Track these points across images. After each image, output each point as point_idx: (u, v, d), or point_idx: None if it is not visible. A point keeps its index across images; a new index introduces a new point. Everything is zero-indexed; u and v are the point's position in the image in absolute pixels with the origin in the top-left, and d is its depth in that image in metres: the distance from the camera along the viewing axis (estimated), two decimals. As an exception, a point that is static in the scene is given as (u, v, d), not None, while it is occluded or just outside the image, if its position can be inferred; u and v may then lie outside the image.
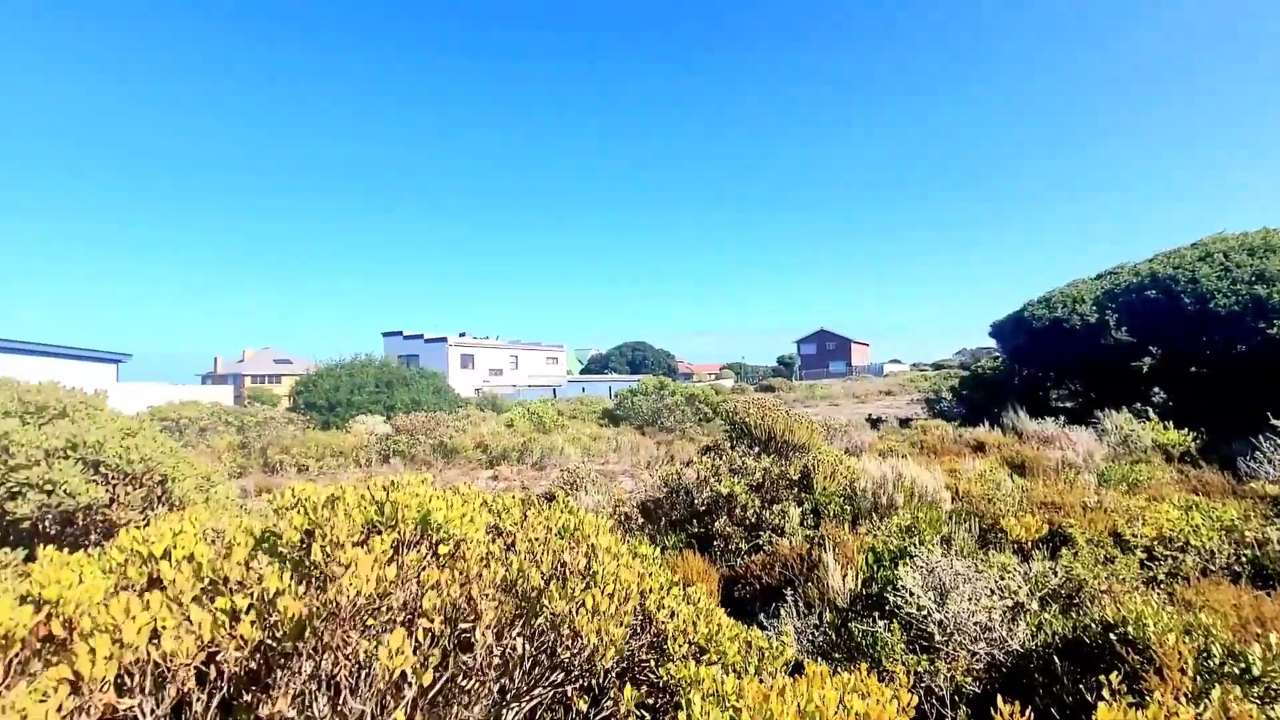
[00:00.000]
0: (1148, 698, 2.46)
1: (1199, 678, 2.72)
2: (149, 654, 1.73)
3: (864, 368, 73.54)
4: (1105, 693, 2.25)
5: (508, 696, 2.54)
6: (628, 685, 2.32)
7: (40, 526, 3.70)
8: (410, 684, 1.86)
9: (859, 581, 4.61)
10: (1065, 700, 2.96)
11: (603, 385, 48.05)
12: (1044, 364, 17.50)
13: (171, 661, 1.73)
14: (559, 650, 2.29)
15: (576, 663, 2.26)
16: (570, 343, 77.78)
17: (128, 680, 1.73)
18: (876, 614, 3.87)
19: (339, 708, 1.89)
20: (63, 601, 1.97)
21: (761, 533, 5.78)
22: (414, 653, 2.03)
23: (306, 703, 2.02)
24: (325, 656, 1.81)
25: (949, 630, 3.61)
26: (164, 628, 1.77)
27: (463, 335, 54.69)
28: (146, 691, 1.73)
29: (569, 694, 2.77)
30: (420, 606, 2.16)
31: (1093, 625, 3.23)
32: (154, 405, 15.80)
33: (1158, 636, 2.90)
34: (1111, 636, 3.07)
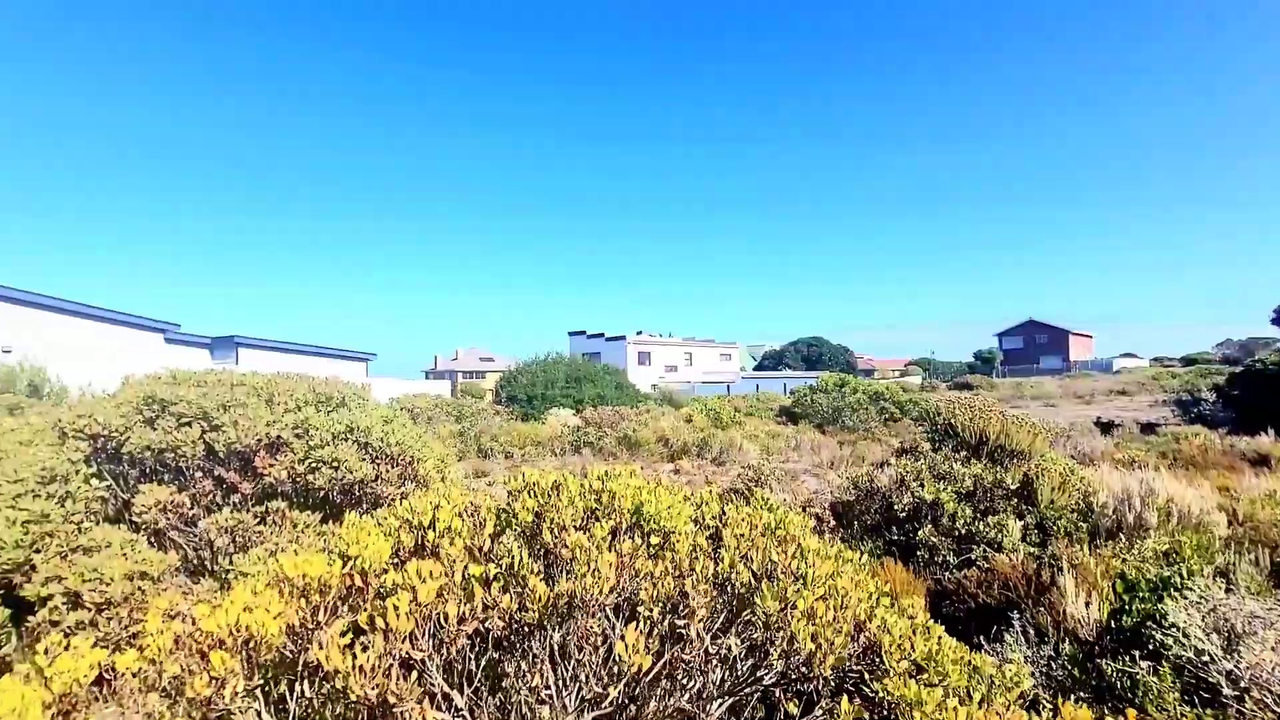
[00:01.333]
0: None
1: None
2: (434, 613, 2.04)
3: (1087, 363, 63.00)
4: None
5: (714, 690, 2.59)
6: (844, 698, 2.23)
7: (329, 496, 4.55)
8: (631, 668, 1.97)
9: (1104, 612, 3.96)
10: None
11: (777, 382, 47.00)
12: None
13: (447, 621, 2.01)
14: (771, 652, 2.27)
15: (790, 667, 2.22)
16: (743, 340, 77.16)
17: (417, 634, 2.04)
18: (1136, 653, 3.28)
19: (577, 686, 2.06)
20: (361, 559, 2.40)
21: (974, 546, 5.22)
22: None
23: (550, 677, 2.23)
24: (571, 638, 1.98)
25: (1242, 684, 2.94)
26: (444, 593, 2.06)
27: (640, 333, 56.99)
28: (429, 647, 2.03)
29: (777, 695, 2.74)
30: (638, 596, 2.28)
31: None
32: (394, 397, 18.76)
33: None
34: None
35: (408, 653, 1.82)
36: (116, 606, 3.41)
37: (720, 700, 2.57)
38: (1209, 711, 2.92)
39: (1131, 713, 2.23)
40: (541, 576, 2.13)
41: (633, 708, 2.54)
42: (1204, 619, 3.26)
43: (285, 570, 2.20)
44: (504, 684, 2.34)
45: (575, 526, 2.58)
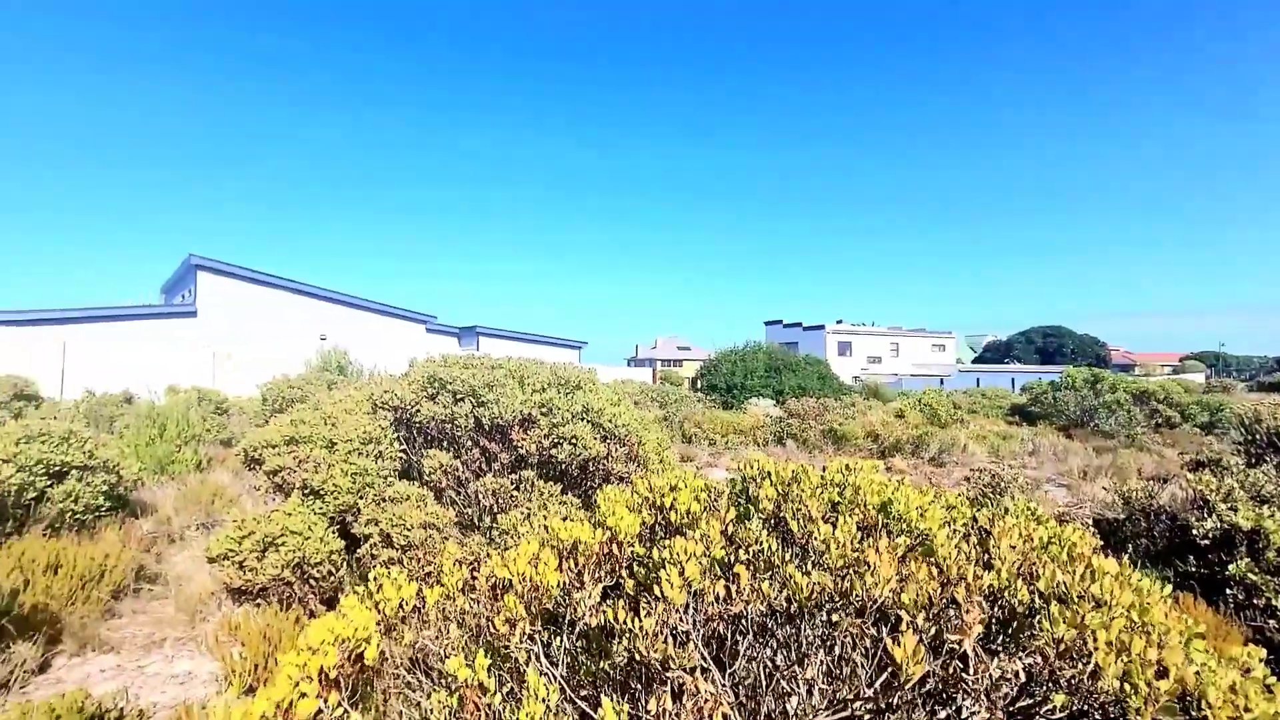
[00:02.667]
0: None
1: None
2: (696, 589, 2.14)
3: None
4: None
5: (981, 715, 2.34)
6: (1164, 751, 1.87)
7: (567, 469, 5.02)
8: (905, 678, 1.86)
9: None
10: None
11: (1003, 376, 41.40)
12: None
13: (707, 600, 2.09)
14: (1060, 682, 1.99)
15: (1088, 702, 1.92)
16: (960, 329, 69.06)
17: (685, 608, 2.15)
18: None
19: (832, 686, 2.01)
20: (617, 529, 2.59)
21: (1319, 593, 4.06)
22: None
23: (806, 671, 2.21)
24: (840, 639, 1.94)
25: None
26: (707, 573, 2.16)
27: (839, 322, 54.10)
28: (690, 622, 2.13)
29: (1055, 730, 2.40)
30: (900, 600, 2.15)
31: None
32: (605, 383, 20.27)
33: None
34: None
35: (675, 624, 1.93)
36: (416, 549, 4.14)
37: (982, 725, 2.33)
38: None
39: None
40: (800, 573, 2.11)
41: (884, 715, 2.41)
42: None
43: (559, 534, 2.47)
44: (751, 670, 2.37)
45: (823, 519, 2.52)
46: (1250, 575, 4.29)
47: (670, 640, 1.86)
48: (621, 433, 5.22)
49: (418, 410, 5.11)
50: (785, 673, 2.10)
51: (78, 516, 5.77)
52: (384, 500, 4.53)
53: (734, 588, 1.98)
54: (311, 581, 4.33)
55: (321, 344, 17.90)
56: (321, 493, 4.52)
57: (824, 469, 2.89)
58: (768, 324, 56.82)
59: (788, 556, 2.28)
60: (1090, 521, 6.24)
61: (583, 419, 5.05)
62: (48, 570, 4.49)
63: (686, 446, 13.21)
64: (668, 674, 1.88)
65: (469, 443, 4.97)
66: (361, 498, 4.53)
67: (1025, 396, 21.67)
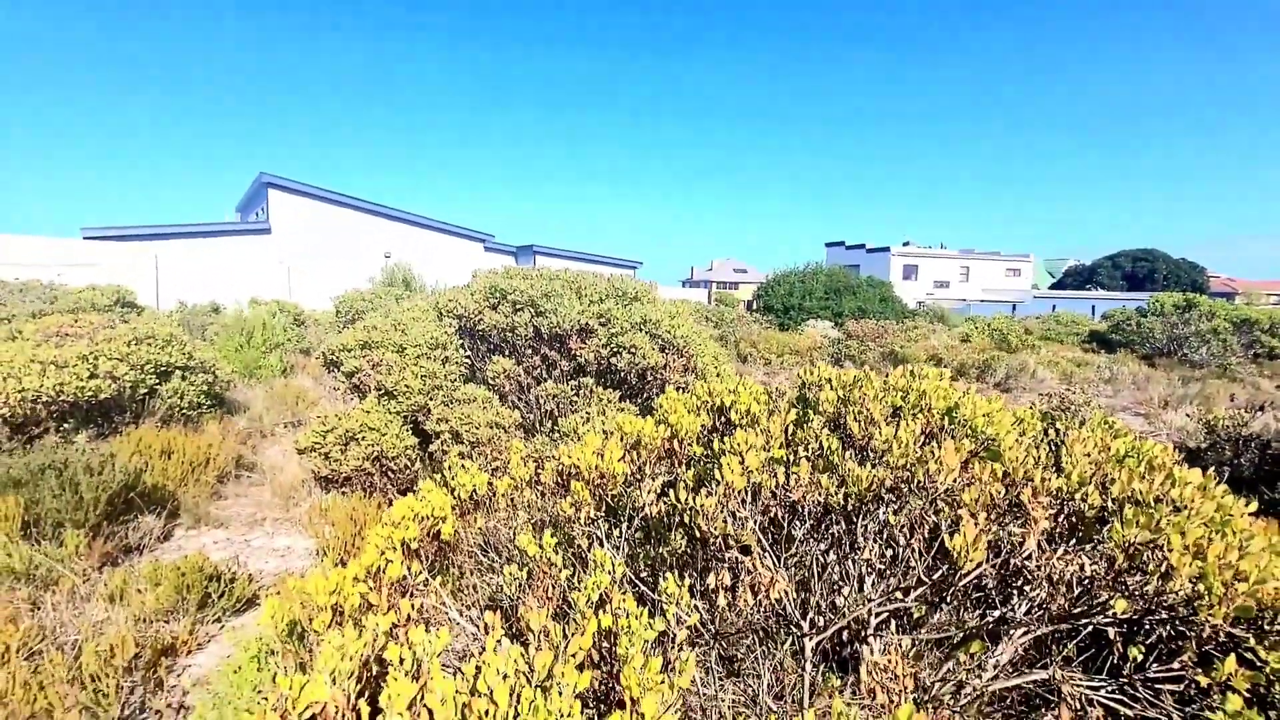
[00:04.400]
0: None
1: None
2: (754, 481, 2.19)
3: None
4: None
5: (1038, 614, 2.36)
6: (1230, 656, 1.85)
7: (626, 377, 5.11)
8: (964, 567, 1.87)
9: None
10: None
11: (1083, 303, 38.82)
12: None
13: (766, 489, 2.14)
14: (1127, 581, 1.97)
15: (1156, 605, 1.90)
16: (1038, 253, 64.43)
17: (744, 497, 2.21)
18: None
19: (886, 570, 2.06)
20: (678, 426, 2.65)
21: None
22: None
23: (864, 557, 2.27)
24: (891, 523, 1.96)
25: None
26: (760, 465, 2.20)
27: (906, 244, 51.40)
28: (748, 511, 2.20)
29: (1111, 635, 2.41)
30: (962, 498, 2.14)
31: None
32: (674, 301, 20.26)
33: None
34: None
35: (734, 509, 1.99)
36: (483, 446, 4.37)
37: (1039, 624, 2.35)
38: None
39: None
40: (859, 467, 2.11)
41: (934, 610, 2.47)
42: None
43: (624, 427, 2.55)
44: (799, 560, 2.45)
45: (885, 421, 2.50)
46: (1345, 505, 4.05)
47: (729, 521, 1.93)
48: (679, 344, 5.24)
49: (480, 319, 5.26)
50: (838, 567, 2.15)
51: (184, 411, 6.35)
52: (452, 401, 4.77)
53: (794, 478, 2.01)
54: (390, 473, 4.67)
55: (386, 261, 18.45)
56: (394, 393, 4.79)
57: (886, 375, 2.84)
58: (829, 245, 54.56)
59: (847, 455, 2.29)
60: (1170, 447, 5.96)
61: (640, 329, 5.08)
62: (162, 455, 5.01)
63: (741, 366, 13.18)
64: (726, 554, 1.96)
65: (529, 351, 5.11)
66: (431, 399, 4.77)
67: (1106, 323, 20.34)
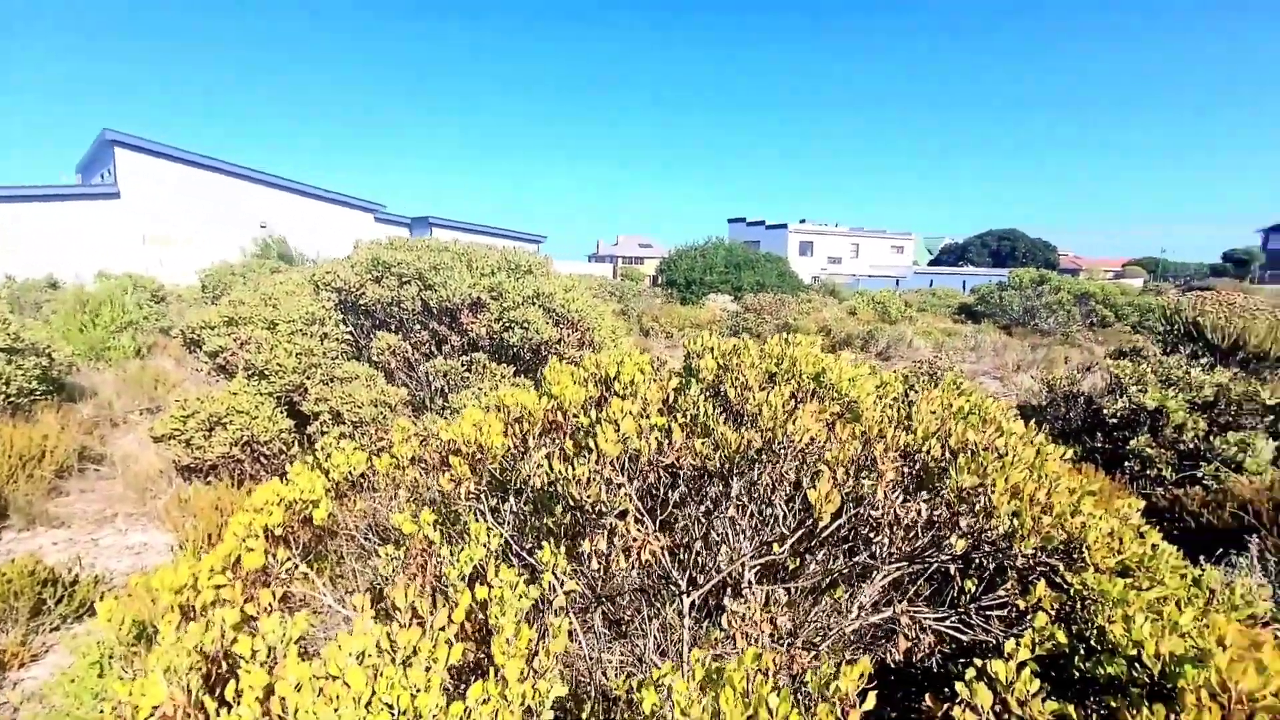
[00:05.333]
0: None
1: None
2: (638, 447, 2.23)
3: (1401, 268, 48.37)
4: None
5: (889, 557, 2.59)
6: (1041, 581, 2.13)
7: (520, 353, 5.03)
8: (820, 516, 2.01)
9: (1385, 552, 3.29)
10: None
11: (955, 278, 42.45)
12: None
13: (644, 456, 2.19)
14: (960, 524, 2.20)
15: (984, 542, 2.14)
16: (919, 231, 69.53)
17: (618, 464, 2.24)
18: None
19: (756, 526, 2.17)
20: (563, 397, 2.64)
21: (1202, 463, 4.52)
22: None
23: (736, 515, 2.37)
24: (757, 483, 2.06)
25: None
26: (642, 431, 2.23)
27: (803, 222, 53.79)
28: (628, 474, 2.24)
29: (951, 571, 2.69)
30: (824, 456, 2.29)
31: None
32: (571, 275, 20.00)
33: None
34: None
35: (610, 476, 2.02)
36: (367, 425, 4.17)
37: (891, 564, 2.59)
38: None
39: None
40: (731, 430, 2.20)
41: (801, 560, 2.65)
42: None
43: (504, 399, 2.50)
44: (679, 523, 2.54)
45: (759, 387, 2.61)
46: (1148, 449, 4.73)
47: (603, 488, 1.96)
48: (574, 317, 5.22)
49: (363, 293, 4.97)
50: (717, 526, 2.25)
51: (11, 399, 5.57)
52: (332, 380, 4.49)
53: (667, 443, 2.07)
54: (263, 459, 4.35)
55: (262, 232, 16.92)
56: (266, 373, 4.44)
57: (764, 343, 2.97)
58: (731, 221, 56.05)
59: (725, 420, 2.38)
60: (1015, 406, 6.68)
61: (534, 303, 5.00)
62: (-18, 450, 4.38)
63: (644, 339, 13.35)
64: (602, 520, 2.00)
65: (417, 326, 4.90)
66: (308, 377, 4.47)
67: (973, 296, 22.38)
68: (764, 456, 2.15)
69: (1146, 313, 18.07)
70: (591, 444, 2.01)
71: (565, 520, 2.53)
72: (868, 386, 2.80)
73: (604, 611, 2.79)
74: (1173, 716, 1.60)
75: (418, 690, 1.31)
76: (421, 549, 2.22)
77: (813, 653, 2.13)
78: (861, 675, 1.43)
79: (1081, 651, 2.09)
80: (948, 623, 2.62)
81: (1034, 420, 6.29)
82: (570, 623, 2.47)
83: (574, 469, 1.96)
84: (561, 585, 1.79)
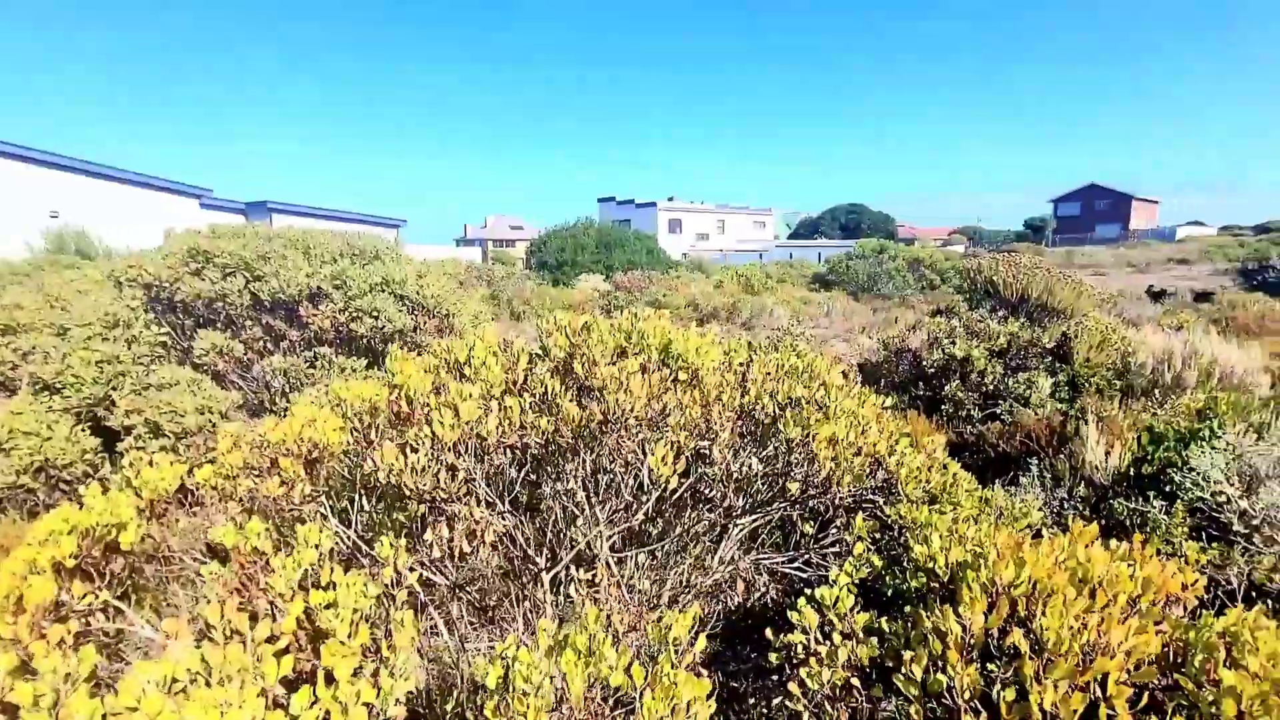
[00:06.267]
0: None
1: None
2: (480, 431, 2.18)
3: (1147, 232, 58.81)
4: None
5: (737, 511, 2.78)
6: (859, 515, 2.38)
7: (371, 344, 4.75)
8: (662, 485, 2.11)
9: (1127, 460, 4.04)
10: None
11: (812, 250, 45.67)
12: None
13: (490, 438, 2.16)
14: (793, 472, 2.40)
15: (811, 487, 2.36)
16: (778, 206, 73.85)
17: (460, 448, 2.20)
18: (1151, 494, 3.39)
19: (608, 497, 2.23)
20: (407, 386, 2.54)
21: (1001, 402, 5.27)
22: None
23: (584, 490, 2.42)
24: (602, 454, 2.11)
25: (1254, 523, 3.04)
26: (482, 414, 2.19)
27: (671, 200, 55.08)
28: (474, 457, 2.20)
29: (794, 518, 2.94)
30: (666, 422, 2.39)
31: None
32: (426, 261, 18.96)
33: None
34: None
35: (453, 462, 1.98)
36: (193, 436, 3.74)
37: (742, 518, 2.78)
38: (1214, 546, 3.05)
39: (1138, 537, 2.33)
40: (575, 405, 2.23)
41: (660, 523, 2.77)
42: (1227, 465, 3.31)
43: (340, 393, 2.35)
44: (541, 503, 2.55)
45: (607, 362, 2.67)
46: (959, 393, 5.43)
47: (442, 473, 1.92)
48: (430, 304, 5.00)
49: (178, 288, 4.42)
50: (567, 498, 2.29)
51: None
52: (147, 388, 3.98)
53: (508, 424, 2.06)
54: (64, 485, 3.78)
55: (54, 223, 14.40)
56: (58, 386, 3.84)
57: (614, 319, 3.03)
58: (601, 201, 56.15)
59: (574, 396, 2.41)
60: (856, 364, 7.36)
61: (383, 291, 4.72)
62: None
63: (517, 323, 13.11)
64: (447, 507, 1.96)
65: (248, 322, 4.45)
66: (114, 388, 3.92)
67: (825, 267, 24.24)
68: (608, 428, 2.21)
69: (962, 275, 20.57)
70: (428, 430, 1.95)
71: (419, 512, 2.45)
72: (713, 355, 2.95)
73: (469, 599, 2.75)
74: (956, 611, 1.86)
75: (228, 706, 1.22)
76: (247, 562, 2.05)
77: (658, 610, 2.25)
78: (693, 623, 1.54)
79: (895, 571, 2.38)
80: (794, 565, 2.87)
81: (874, 376, 6.99)
82: (432, 616, 2.42)
83: (406, 459, 1.89)
84: (402, 579, 1.73)
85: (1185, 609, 2.06)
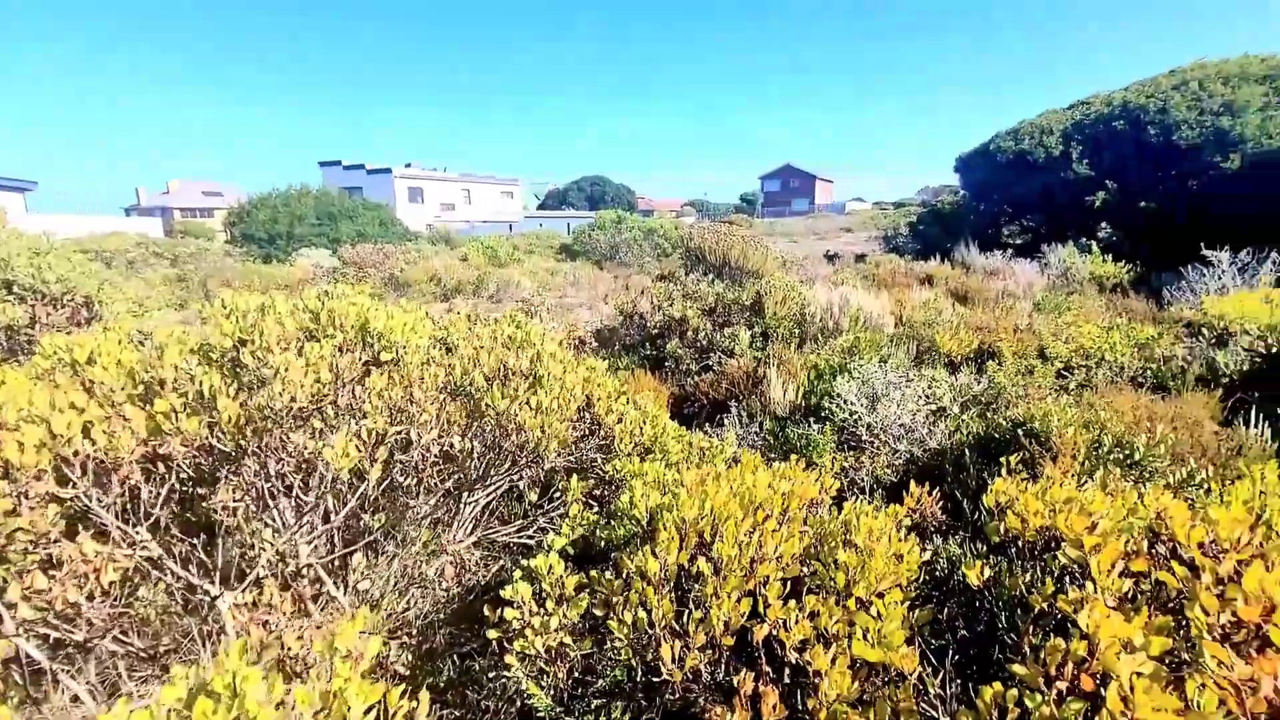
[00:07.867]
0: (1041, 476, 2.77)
1: (1089, 461, 3.07)
2: (85, 448, 1.71)
3: (827, 206, 72.52)
4: (1004, 471, 2.51)
5: (461, 490, 2.70)
6: (574, 476, 2.47)
7: (-43, 347, 3.52)
8: (364, 479, 1.92)
9: (800, 394, 4.90)
10: (970, 484, 3.32)
11: (560, 221, 46.54)
12: (1004, 199, 17.55)
13: (109, 456, 1.72)
14: (504, 445, 2.39)
15: (522, 456, 2.37)
16: (526, 177, 73.46)
17: (68, 471, 1.72)
18: (813, 420, 4.17)
19: (293, 502, 1.96)
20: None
21: (712, 354, 5.99)
22: (360, 450, 2.08)
23: (260, 496, 2.09)
24: (269, 456, 1.82)
25: (876, 431, 3.93)
26: (93, 424, 1.73)
27: (409, 166, 51.00)
28: (90, 483, 1.74)
29: (521, 487, 2.96)
30: (363, 409, 2.18)
31: (1003, 423, 3.55)
32: (72, 237, 14.60)
33: (1058, 429, 3.21)
34: (1019, 431, 3.39)
35: (50, 492, 1.53)
36: None
37: (466, 499, 2.70)
38: (853, 453, 3.88)
39: (794, 456, 2.82)
40: (234, 401, 1.90)
41: (383, 516, 2.55)
42: (859, 389, 4.21)
43: None
44: (214, 517, 2.15)
45: (285, 348, 2.32)
46: (679, 350, 6.02)
47: (25, 512, 1.48)
48: (56, 290, 3.87)
49: None
50: (256, 509, 1.96)
51: None
52: None
53: (135, 439, 1.66)
54: None
55: None
56: None
57: (295, 299, 2.65)
58: (324, 165, 49.45)
59: (234, 392, 2.05)
60: (595, 330, 7.72)
61: (-32, 274, 3.51)
62: None
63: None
64: (46, 551, 1.51)
65: None
66: None
67: (571, 237, 24.93)
68: (286, 423, 1.93)
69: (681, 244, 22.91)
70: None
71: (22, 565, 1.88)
72: (422, 332, 2.77)
73: (134, 650, 2.23)
74: (653, 551, 2.03)
75: None
76: None
77: (379, 610, 2.08)
78: (384, 620, 1.43)
79: (609, 524, 2.53)
80: (525, 535, 2.89)
81: (611, 339, 7.39)
82: (69, 684, 1.90)
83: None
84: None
85: (826, 508, 2.57)
